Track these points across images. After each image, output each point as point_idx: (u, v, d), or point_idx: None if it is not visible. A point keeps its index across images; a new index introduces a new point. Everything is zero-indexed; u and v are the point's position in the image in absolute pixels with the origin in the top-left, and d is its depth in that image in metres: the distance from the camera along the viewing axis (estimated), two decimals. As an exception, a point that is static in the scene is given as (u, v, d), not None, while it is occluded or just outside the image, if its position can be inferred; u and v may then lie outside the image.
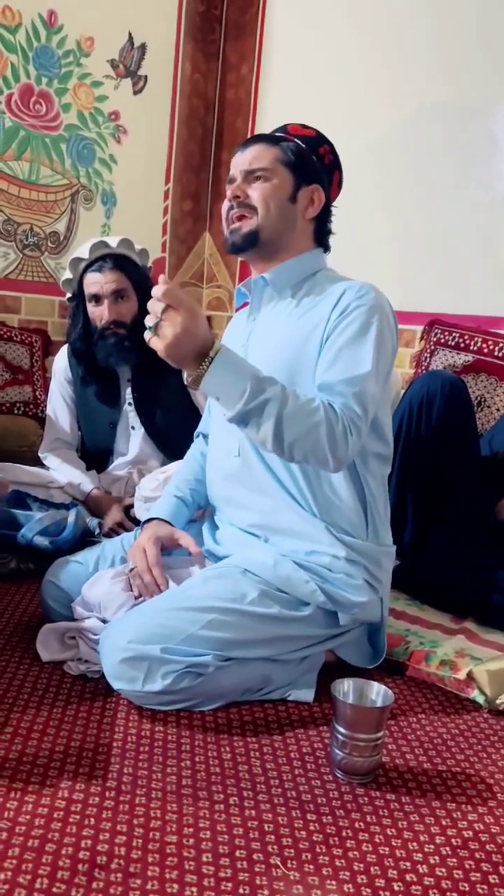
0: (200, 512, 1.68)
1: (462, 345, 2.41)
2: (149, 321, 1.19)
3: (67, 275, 2.16)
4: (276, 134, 1.48)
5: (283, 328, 1.40)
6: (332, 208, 1.52)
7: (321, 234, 1.50)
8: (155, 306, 1.17)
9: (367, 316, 1.32)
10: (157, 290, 1.17)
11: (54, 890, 0.85)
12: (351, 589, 1.36)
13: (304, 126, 1.50)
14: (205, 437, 1.70)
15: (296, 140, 1.45)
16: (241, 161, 1.43)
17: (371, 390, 1.29)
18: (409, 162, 2.66)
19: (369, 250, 2.74)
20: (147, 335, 1.20)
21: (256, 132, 3.28)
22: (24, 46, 2.85)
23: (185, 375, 1.23)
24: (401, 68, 2.67)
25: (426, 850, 0.99)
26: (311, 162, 1.44)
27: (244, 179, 1.42)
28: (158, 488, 1.89)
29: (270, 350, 1.40)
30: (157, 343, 1.18)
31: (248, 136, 3.28)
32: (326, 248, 1.52)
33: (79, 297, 2.16)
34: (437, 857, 0.97)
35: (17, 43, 2.83)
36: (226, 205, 1.44)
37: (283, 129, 1.49)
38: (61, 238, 3.07)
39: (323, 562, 1.36)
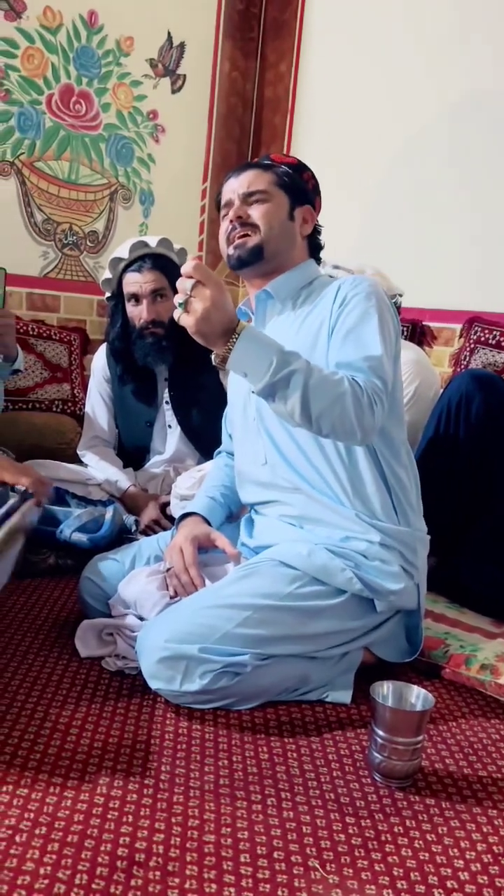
0: (235, 516, 1.69)
1: (503, 343, 2.37)
2: (178, 298, 1.21)
3: (107, 274, 2.17)
4: (263, 162, 1.54)
5: (289, 337, 1.42)
6: (318, 227, 1.58)
7: (314, 249, 1.56)
8: (185, 283, 1.20)
9: (366, 300, 1.37)
10: (186, 267, 1.20)
11: (94, 886, 0.86)
12: (386, 576, 1.36)
13: (285, 155, 1.60)
14: (228, 454, 1.74)
15: (283, 166, 1.51)
16: (237, 185, 1.47)
17: (386, 365, 1.31)
18: (447, 156, 2.63)
19: (407, 247, 2.71)
20: (176, 313, 1.22)
21: (294, 130, 3.27)
22: (65, 47, 2.88)
23: (213, 356, 1.24)
24: (441, 61, 2.64)
25: (467, 857, 0.97)
26: (301, 184, 1.52)
27: (243, 202, 1.46)
28: (194, 486, 1.89)
29: None
30: (186, 319, 1.20)
31: (287, 134, 3.28)
32: (318, 260, 1.58)
33: (118, 297, 2.18)
34: (478, 865, 0.96)
35: (58, 44, 2.86)
36: (226, 226, 1.48)
37: (267, 157, 1.57)
38: (100, 237, 3.10)
39: (359, 548, 1.37)
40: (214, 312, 1.18)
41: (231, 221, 1.45)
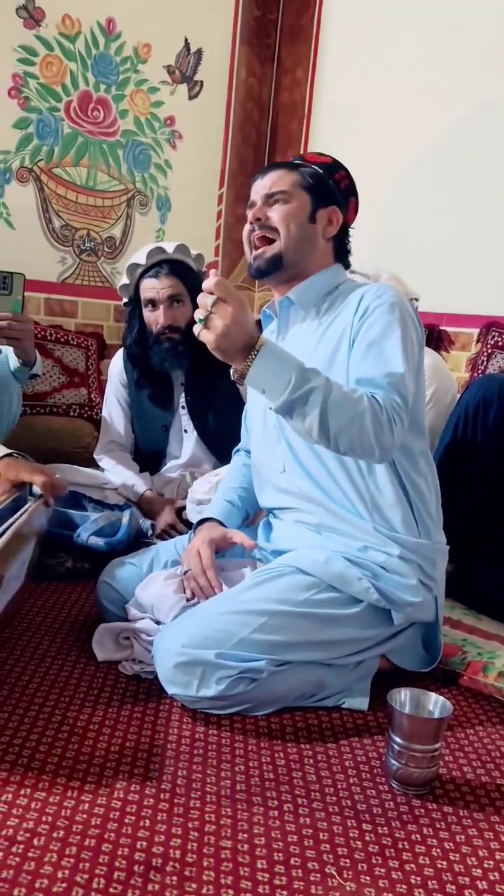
0: (251, 519, 1.69)
1: (520, 349, 2.36)
2: (199, 314, 1.21)
3: (124, 280, 2.18)
4: (293, 161, 1.53)
5: (311, 345, 1.42)
6: (350, 229, 1.55)
7: (340, 254, 1.53)
8: (206, 299, 1.20)
9: (388, 312, 1.34)
10: (208, 283, 1.19)
11: (111, 890, 0.86)
12: (405, 589, 1.35)
13: (320, 154, 1.57)
14: (246, 452, 1.73)
15: (313, 166, 1.50)
16: (260, 186, 1.46)
17: (407, 380, 1.30)
18: (464, 163, 2.62)
19: (424, 251, 2.70)
20: (197, 328, 1.22)
21: (311, 135, 3.28)
22: (84, 54, 2.90)
23: (231, 371, 1.24)
24: (457, 69, 2.63)
25: (486, 865, 0.97)
26: (328, 185, 1.49)
27: (264, 203, 1.45)
28: (211, 491, 1.89)
29: None
30: (206, 335, 1.20)
31: (303, 139, 3.29)
32: (346, 264, 1.55)
33: (135, 302, 2.19)
34: (496, 874, 0.95)
35: (76, 51, 2.88)
36: (247, 228, 1.47)
37: (300, 157, 1.55)
38: (117, 243, 3.11)
39: (377, 559, 1.36)
40: (235, 329, 1.18)
41: (251, 223, 1.45)
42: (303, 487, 1.44)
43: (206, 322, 1.20)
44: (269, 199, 1.44)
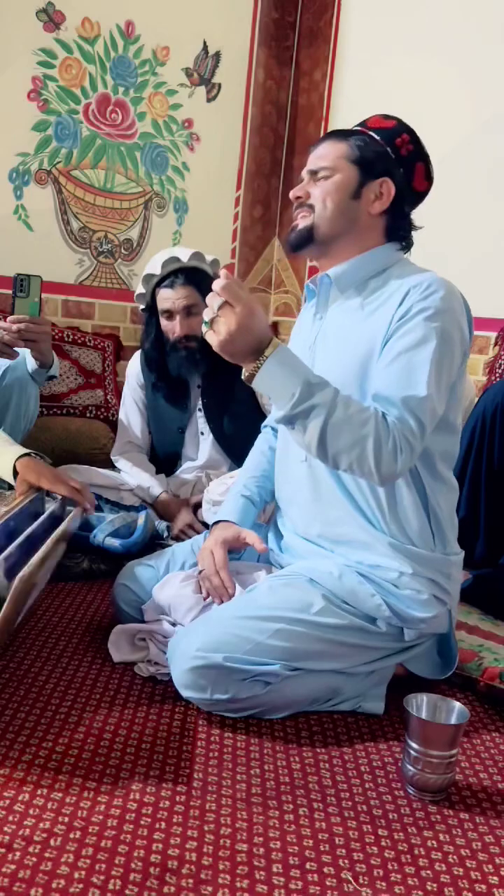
0: (264, 517, 1.68)
1: (539, 352, 2.34)
2: (206, 315, 1.20)
3: (140, 289, 2.18)
4: (352, 128, 1.43)
5: (349, 330, 1.35)
6: (419, 200, 1.44)
7: (395, 229, 1.40)
8: (213, 301, 1.18)
9: (430, 320, 1.24)
10: (217, 284, 1.17)
11: (127, 892, 0.86)
12: (418, 606, 1.32)
13: (385, 117, 1.43)
14: (273, 429, 1.67)
15: (370, 133, 1.39)
16: (310, 161, 1.40)
17: (429, 404, 1.22)
18: (483, 167, 2.61)
19: (440, 254, 2.69)
20: (203, 328, 1.21)
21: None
22: (102, 57, 2.91)
23: (242, 370, 1.23)
24: (477, 73, 2.62)
25: (503, 873, 0.96)
26: (381, 154, 1.37)
27: (309, 179, 1.39)
28: (227, 493, 1.89)
29: (337, 354, 1.36)
30: (211, 337, 1.19)
31: (320, 141, 3.27)
32: (404, 242, 1.43)
33: (152, 309, 2.19)
34: (513, 882, 0.95)
35: (95, 54, 2.89)
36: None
37: (364, 122, 1.43)
38: (134, 245, 3.12)
39: (389, 577, 1.33)
40: (239, 335, 1.17)
41: (293, 200, 1.39)
42: (321, 481, 1.39)
43: (211, 324, 1.19)
44: (314, 174, 1.38)
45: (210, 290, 1.20)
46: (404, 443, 1.20)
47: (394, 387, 1.23)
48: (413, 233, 1.45)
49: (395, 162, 1.38)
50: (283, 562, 1.49)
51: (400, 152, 1.39)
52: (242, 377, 1.23)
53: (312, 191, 1.37)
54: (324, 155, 1.37)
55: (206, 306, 1.21)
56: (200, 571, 1.47)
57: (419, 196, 1.44)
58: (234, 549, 1.49)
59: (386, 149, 1.38)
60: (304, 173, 1.40)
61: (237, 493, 1.58)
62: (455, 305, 1.28)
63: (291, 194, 1.40)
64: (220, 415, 2.23)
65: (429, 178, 1.44)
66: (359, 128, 1.43)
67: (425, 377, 1.22)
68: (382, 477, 1.21)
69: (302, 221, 1.37)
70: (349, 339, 1.34)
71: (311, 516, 1.42)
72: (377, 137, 1.38)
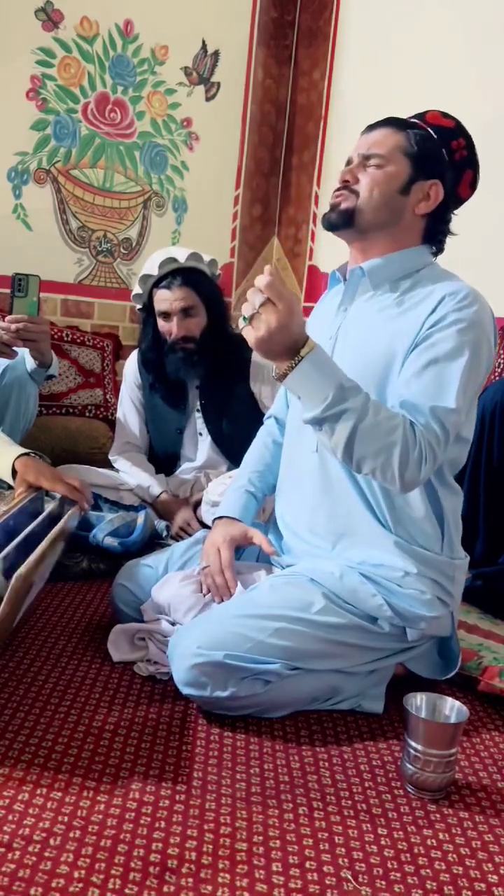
0: (263, 516, 1.68)
1: (538, 351, 2.34)
2: (245, 310, 1.17)
3: (137, 290, 2.17)
4: (410, 119, 1.39)
5: (376, 327, 1.32)
6: (459, 206, 1.42)
7: (433, 233, 1.38)
8: (255, 298, 1.16)
9: (464, 332, 1.23)
10: (260, 281, 1.15)
11: (126, 891, 0.86)
12: (420, 605, 1.32)
13: (445, 115, 1.40)
14: (276, 420, 1.65)
15: (428, 129, 1.36)
16: (362, 143, 1.35)
17: (456, 417, 1.22)
18: (483, 167, 2.60)
19: (447, 253, 2.69)
20: (241, 323, 1.19)
21: (327, 136, 3.26)
22: (101, 56, 2.91)
23: (273, 369, 1.22)
24: (475, 74, 2.61)
25: (502, 872, 0.96)
26: (436, 155, 1.35)
27: (360, 163, 1.34)
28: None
29: (360, 348, 1.34)
30: (249, 333, 1.17)
31: (319, 140, 3.27)
32: (437, 248, 1.41)
33: (149, 309, 2.18)
34: (513, 881, 0.95)
35: (94, 53, 2.89)
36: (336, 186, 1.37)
37: (423, 114, 1.40)
38: (133, 244, 3.12)
39: (393, 576, 1.32)
40: (278, 334, 1.15)
41: (340, 182, 1.35)
42: (331, 473, 1.38)
43: (250, 320, 1.17)
44: (366, 159, 1.33)
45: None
46: (429, 452, 1.20)
47: (423, 395, 1.22)
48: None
49: (447, 165, 1.37)
50: (283, 562, 1.49)
51: (454, 157, 1.38)
52: (273, 375, 1.22)
53: (361, 176, 1.33)
54: (379, 142, 1.34)
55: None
56: (204, 567, 1.46)
57: (460, 202, 1.43)
58: (240, 547, 1.49)
59: (441, 150, 1.36)
60: (355, 155, 1.36)
61: (241, 489, 1.57)
62: (486, 320, 1.28)
63: (340, 176, 1.35)
64: (218, 416, 2.23)
65: (474, 187, 1.42)
66: (417, 121, 1.39)
67: (455, 390, 1.22)
68: (405, 484, 1.21)
69: (345, 202, 1.33)
70: (374, 336, 1.33)
71: (317, 507, 1.41)
72: (434, 135, 1.36)
